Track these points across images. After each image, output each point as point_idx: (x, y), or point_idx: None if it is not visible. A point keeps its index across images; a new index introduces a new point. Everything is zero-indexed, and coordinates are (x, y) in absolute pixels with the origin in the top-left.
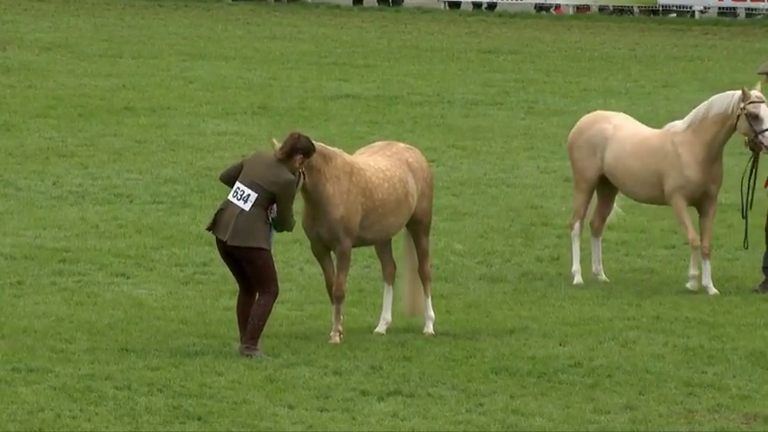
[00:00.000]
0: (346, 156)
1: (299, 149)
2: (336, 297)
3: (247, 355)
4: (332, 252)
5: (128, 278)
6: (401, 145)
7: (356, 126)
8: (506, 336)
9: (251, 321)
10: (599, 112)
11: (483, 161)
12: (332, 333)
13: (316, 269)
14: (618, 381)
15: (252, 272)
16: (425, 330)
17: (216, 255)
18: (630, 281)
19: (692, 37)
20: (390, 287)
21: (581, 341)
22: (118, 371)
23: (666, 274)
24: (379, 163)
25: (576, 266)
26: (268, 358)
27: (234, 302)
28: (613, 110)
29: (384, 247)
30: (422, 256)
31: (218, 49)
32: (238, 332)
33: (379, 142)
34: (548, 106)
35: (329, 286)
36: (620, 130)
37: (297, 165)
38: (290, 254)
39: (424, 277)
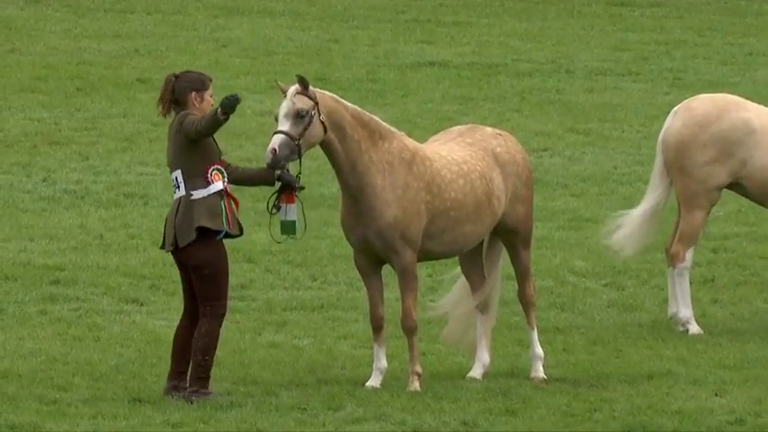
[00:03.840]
0: (408, 140)
1: (179, 89)
2: (407, 329)
3: (194, 401)
4: (382, 268)
5: (141, 305)
6: (488, 130)
7: (443, 104)
8: (643, 383)
9: (194, 359)
10: (707, 97)
11: (613, 150)
12: (410, 378)
13: (389, 293)
14: None
15: (197, 279)
16: (533, 374)
17: (257, 275)
18: None
19: None
20: (485, 317)
21: (744, 390)
22: (128, 427)
23: None
24: (455, 153)
25: (687, 312)
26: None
27: (280, 337)
28: None
29: (472, 263)
30: (522, 275)
31: (261, 2)
32: (169, 366)
33: (459, 126)
34: (700, 77)
35: (373, 314)
36: None
37: (205, 105)
38: (351, 273)
39: (526, 303)
